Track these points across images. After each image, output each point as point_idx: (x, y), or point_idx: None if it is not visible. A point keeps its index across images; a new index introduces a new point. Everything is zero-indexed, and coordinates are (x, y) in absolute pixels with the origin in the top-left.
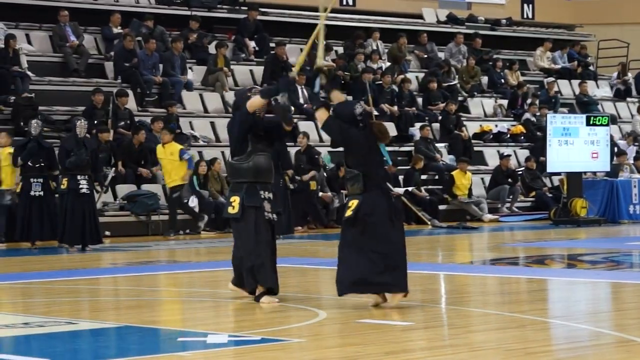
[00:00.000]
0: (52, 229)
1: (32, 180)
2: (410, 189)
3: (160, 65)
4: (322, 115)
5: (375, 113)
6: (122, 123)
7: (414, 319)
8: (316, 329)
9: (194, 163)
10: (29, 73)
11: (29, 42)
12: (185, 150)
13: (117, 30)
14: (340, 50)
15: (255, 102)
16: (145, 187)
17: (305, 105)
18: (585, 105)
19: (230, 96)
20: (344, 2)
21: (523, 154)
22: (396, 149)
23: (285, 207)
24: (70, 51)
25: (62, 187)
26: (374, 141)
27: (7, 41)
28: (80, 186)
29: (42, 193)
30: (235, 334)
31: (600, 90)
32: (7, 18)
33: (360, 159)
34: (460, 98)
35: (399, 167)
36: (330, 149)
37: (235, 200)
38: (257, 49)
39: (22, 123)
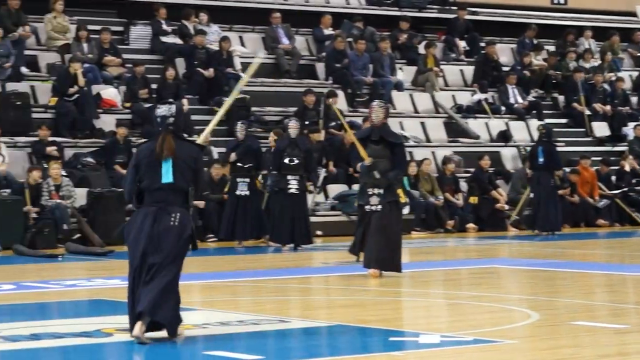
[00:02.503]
0: (257, 228)
1: (238, 180)
2: (624, 190)
3: (370, 66)
4: None
5: (587, 112)
6: (333, 123)
7: (629, 322)
8: (529, 331)
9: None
10: (242, 75)
11: (242, 44)
12: None
13: (327, 31)
14: (552, 48)
15: None
16: (357, 187)
17: None
18: None
19: (440, 96)
20: (556, 1)
21: None
22: (609, 148)
23: None
24: (282, 52)
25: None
26: None
27: (221, 43)
28: (290, 186)
29: (248, 193)
30: (447, 334)
31: None
32: (221, 21)
33: None
34: None
35: (611, 167)
36: None
37: None
38: (467, 48)
39: (235, 124)
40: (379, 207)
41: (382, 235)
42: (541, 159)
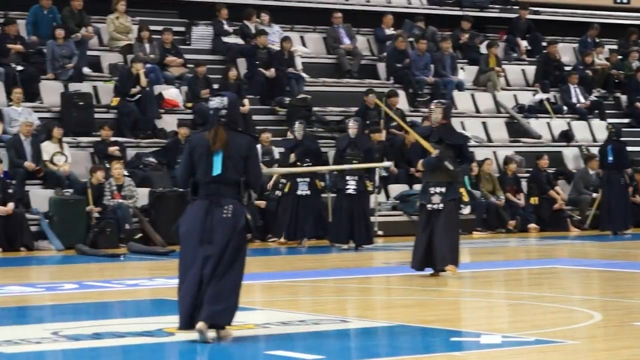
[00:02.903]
0: (318, 227)
1: (298, 179)
2: None
3: (432, 66)
4: None
5: None
6: (394, 123)
7: None
8: (591, 331)
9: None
10: (304, 75)
11: (304, 44)
12: None
13: (389, 31)
14: (614, 48)
15: None
16: (418, 187)
17: None
18: None
19: (502, 96)
20: (618, 0)
21: None
22: None
23: None
24: (343, 52)
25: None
26: None
27: (282, 43)
28: (347, 187)
29: (308, 192)
30: (508, 335)
31: None
32: (282, 21)
33: None
34: None
35: None
36: None
37: None
38: (529, 48)
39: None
40: (441, 205)
41: (445, 234)
42: (611, 158)
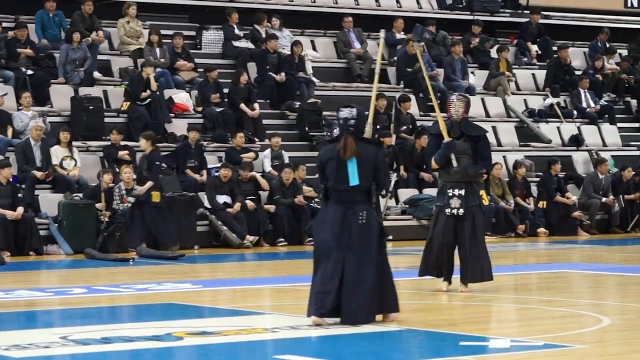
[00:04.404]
0: None
1: None
2: None
3: (441, 70)
4: None
5: None
6: (404, 128)
7: None
8: (600, 335)
9: None
10: (314, 79)
11: (314, 49)
12: None
13: (399, 35)
14: (625, 52)
15: None
16: (427, 191)
17: None
18: None
19: (512, 100)
20: (629, 4)
21: None
22: None
23: None
24: (353, 57)
25: None
26: None
27: (293, 48)
28: None
29: None
30: (518, 339)
31: None
32: (293, 25)
33: None
34: None
35: None
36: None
37: None
38: (539, 52)
39: (306, 128)
40: (461, 211)
41: (472, 245)
42: None
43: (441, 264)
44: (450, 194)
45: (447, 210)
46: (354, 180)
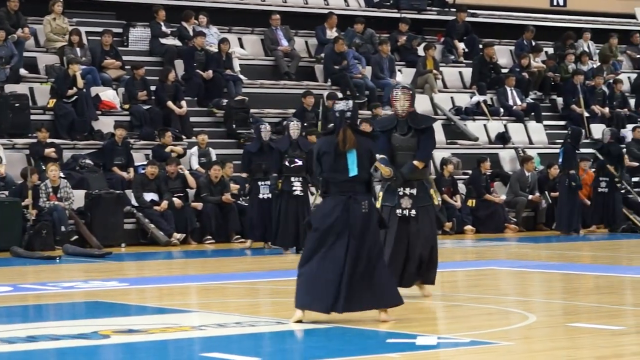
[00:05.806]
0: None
1: (260, 183)
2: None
3: (369, 68)
4: None
5: (586, 115)
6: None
7: (625, 324)
8: (526, 332)
9: None
10: (241, 76)
11: (242, 46)
12: None
13: (330, 32)
14: (551, 51)
15: None
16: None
17: None
18: None
19: (439, 98)
20: (555, 3)
21: None
22: None
23: None
24: (281, 54)
25: (277, 189)
26: None
27: (220, 45)
28: (294, 188)
29: (269, 195)
30: (444, 336)
31: None
32: (220, 22)
33: None
34: None
35: None
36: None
37: None
38: (466, 50)
39: (234, 126)
40: (413, 212)
41: (426, 248)
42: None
43: (396, 272)
44: (400, 193)
45: (399, 211)
46: (353, 170)
